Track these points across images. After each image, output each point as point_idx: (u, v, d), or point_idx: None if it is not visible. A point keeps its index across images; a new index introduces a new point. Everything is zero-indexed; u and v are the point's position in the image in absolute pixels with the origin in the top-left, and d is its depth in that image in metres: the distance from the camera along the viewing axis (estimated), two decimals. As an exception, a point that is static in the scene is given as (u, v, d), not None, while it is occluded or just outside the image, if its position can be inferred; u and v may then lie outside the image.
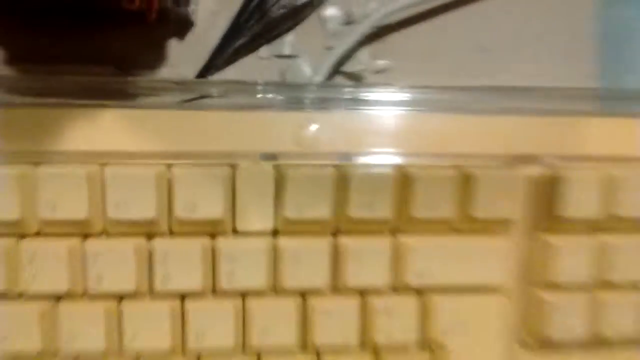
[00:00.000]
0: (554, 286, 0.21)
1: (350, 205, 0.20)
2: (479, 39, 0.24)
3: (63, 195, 0.19)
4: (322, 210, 0.20)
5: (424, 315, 0.21)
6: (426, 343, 0.21)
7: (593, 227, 0.21)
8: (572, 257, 0.21)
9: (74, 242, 0.19)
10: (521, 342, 0.22)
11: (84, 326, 0.19)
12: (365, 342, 0.21)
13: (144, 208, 0.19)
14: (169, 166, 0.19)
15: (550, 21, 0.25)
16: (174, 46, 0.23)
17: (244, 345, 0.20)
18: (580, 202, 0.21)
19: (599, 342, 0.22)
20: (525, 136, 0.21)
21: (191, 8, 0.23)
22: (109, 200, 0.19)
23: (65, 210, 0.19)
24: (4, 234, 0.19)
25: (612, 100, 0.23)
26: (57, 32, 0.22)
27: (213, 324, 0.20)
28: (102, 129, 0.20)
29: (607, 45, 0.25)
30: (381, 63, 0.24)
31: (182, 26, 0.23)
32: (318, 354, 0.21)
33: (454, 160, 0.21)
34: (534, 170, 0.21)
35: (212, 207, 0.19)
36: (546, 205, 0.21)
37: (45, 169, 0.19)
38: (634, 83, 0.25)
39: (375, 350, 0.21)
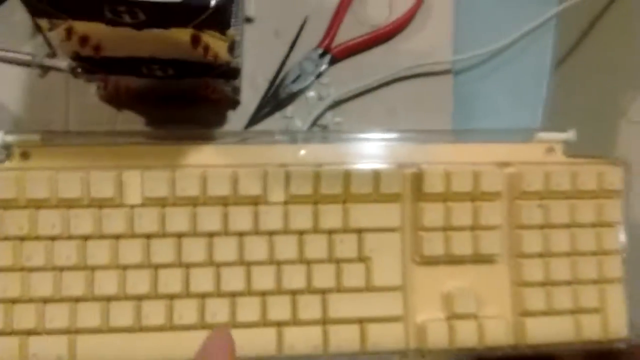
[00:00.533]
0: (426, 228, 0.42)
1: (321, 187, 0.41)
2: (389, 104, 0.47)
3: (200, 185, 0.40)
4: (305, 189, 0.41)
5: (360, 240, 0.42)
6: (361, 257, 0.42)
7: (442, 197, 0.43)
8: (432, 213, 0.42)
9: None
10: (412, 260, 0.43)
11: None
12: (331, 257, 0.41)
13: (224, 189, 0.40)
14: (235, 170, 0.41)
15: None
16: (231, 114, 0.45)
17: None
18: (435, 184, 0.42)
19: (451, 258, 0.43)
20: (407, 153, 0.43)
21: (239, 96, 0.45)
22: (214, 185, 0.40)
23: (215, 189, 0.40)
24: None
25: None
26: (172, 108, 0.44)
27: (258, 249, 0.41)
28: (200, 154, 0.41)
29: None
30: (337, 120, 0.46)
31: (235, 104, 0.45)
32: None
33: (372, 165, 0.42)
34: (412, 170, 0.43)
35: (254, 188, 0.41)
36: (418, 187, 0.43)
37: (183, 170, 0.40)
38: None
39: (337, 260, 0.41)
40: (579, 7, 0.49)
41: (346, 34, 0.47)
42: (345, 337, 0.41)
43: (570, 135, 0.45)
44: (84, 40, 0.34)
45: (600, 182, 0.44)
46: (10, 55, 0.44)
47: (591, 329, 0.44)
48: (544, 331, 0.43)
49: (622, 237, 0.45)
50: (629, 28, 0.56)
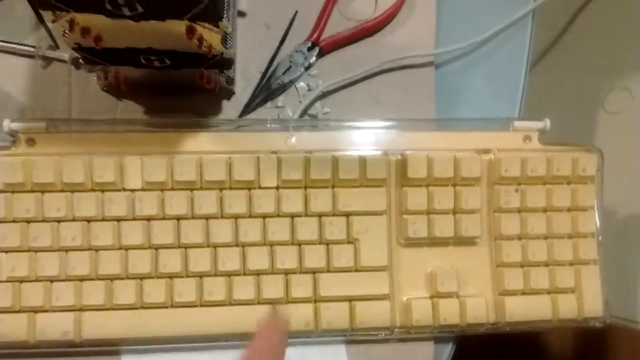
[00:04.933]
0: (410, 212, 0.45)
1: (310, 173, 0.43)
2: (375, 95, 0.49)
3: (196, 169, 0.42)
4: (296, 175, 0.43)
5: (348, 223, 0.44)
6: (350, 239, 0.44)
7: (425, 182, 0.45)
8: (416, 197, 0.45)
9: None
10: (397, 241, 0.46)
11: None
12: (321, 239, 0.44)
13: (220, 174, 0.43)
14: (230, 156, 0.43)
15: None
16: (225, 103, 0.48)
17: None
18: (418, 170, 0.45)
19: (434, 240, 0.45)
20: (391, 141, 0.46)
21: (233, 86, 0.47)
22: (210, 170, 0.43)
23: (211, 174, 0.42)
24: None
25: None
26: (169, 97, 0.47)
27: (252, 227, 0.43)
28: (197, 141, 0.44)
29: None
30: (326, 109, 0.49)
31: (229, 94, 0.48)
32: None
33: (359, 152, 0.45)
34: (396, 156, 0.45)
35: (248, 174, 0.43)
36: (402, 172, 0.45)
37: (181, 156, 0.42)
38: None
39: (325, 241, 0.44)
40: (555, 2, 0.51)
41: (334, 28, 0.49)
42: (335, 315, 0.43)
43: (545, 124, 0.47)
44: (85, 31, 0.37)
45: (575, 168, 0.47)
46: (14, 47, 0.46)
47: (567, 308, 0.46)
48: (522, 310, 0.46)
49: (597, 221, 0.47)
50: (606, 22, 0.59)
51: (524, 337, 0.49)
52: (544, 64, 0.57)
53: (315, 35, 0.49)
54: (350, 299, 0.44)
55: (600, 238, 0.47)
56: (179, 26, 0.36)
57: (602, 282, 0.47)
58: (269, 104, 0.48)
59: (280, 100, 0.48)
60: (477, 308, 0.45)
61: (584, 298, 0.46)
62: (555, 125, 0.48)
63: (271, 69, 0.48)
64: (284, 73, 0.48)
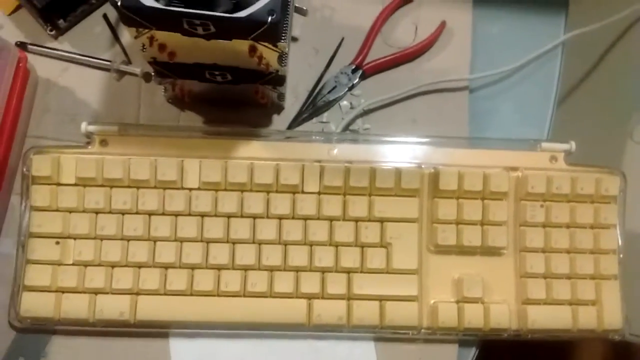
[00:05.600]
0: (440, 221, 0.49)
1: (350, 181, 0.48)
2: (412, 115, 0.53)
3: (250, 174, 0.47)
4: (336, 182, 0.48)
5: (382, 228, 0.48)
6: (383, 243, 0.48)
7: (455, 195, 0.49)
8: (446, 208, 0.49)
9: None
10: (427, 248, 0.49)
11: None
12: (357, 242, 0.48)
13: (268, 179, 0.47)
14: (277, 163, 0.48)
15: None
16: (275, 117, 0.53)
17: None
18: (449, 183, 0.48)
19: (462, 249, 0.49)
20: (426, 155, 0.50)
21: (283, 101, 0.53)
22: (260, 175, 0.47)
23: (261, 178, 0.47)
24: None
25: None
26: (226, 110, 0.52)
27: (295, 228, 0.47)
28: (249, 148, 0.48)
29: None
30: (366, 126, 0.53)
31: (279, 109, 0.53)
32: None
33: (395, 164, 0.49)
34: (429, 169, 0.49)
35: (293, 179, 0.47)
36: (434, 184, 0.49)
37: (234, 161, 0.47)
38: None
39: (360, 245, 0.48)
40: (585, 35, 0.55)
41: (376, 53, 0.54)
42: (366, 312, 0.47)
43: (571, 146, 0.51)
44: (162, 47, 0.42)
45: (598, 188, 0.50)
46: (92, 61, 0.52)
47: (587, 320, 0.49)
48: (543, 318, 0.48)
49: (618, 239, 0.50)
50: (634, 54, 0.62)
51: (544, 347, 0.51)
52: (573, 94, 0.60)
53: (359, 60, 0.54)
54: (380, 299, 0.47)
55: (621, 256, 0.50)
56: (243, 45, 0.41)
57: (622, 297, 0.49)
58: (314, 120, 0.53)
59: (325, 116, 0.53)
60: (501, 314, 0.48)
61: (604, 311, 0.49)
62: (582, 153, 0.51)
63: (318, 88, 0.53)
64: (329, 92, 0.53)
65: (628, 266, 0.50)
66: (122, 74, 0.52)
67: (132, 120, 0.51)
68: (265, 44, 0.41)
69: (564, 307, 0.49)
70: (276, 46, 0.41)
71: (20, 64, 0.49)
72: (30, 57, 0.51)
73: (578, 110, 0.60)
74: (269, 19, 0.38)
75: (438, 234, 0.48)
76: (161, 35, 0.41)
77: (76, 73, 0.52)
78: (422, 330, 0.48)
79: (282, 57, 0.43)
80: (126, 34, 0.53)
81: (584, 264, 0.49)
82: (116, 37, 0.53)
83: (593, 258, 0.49)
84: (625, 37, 0.61)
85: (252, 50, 0.42)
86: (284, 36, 0.42)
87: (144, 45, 0.42)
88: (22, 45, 0.52)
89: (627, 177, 0.51)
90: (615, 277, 0.49)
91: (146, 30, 0.40)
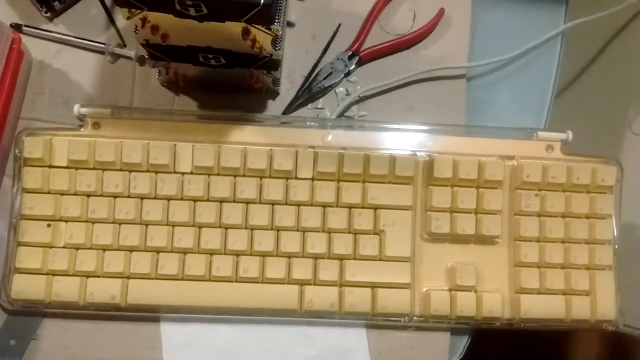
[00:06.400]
0: (434, 209, 0.48)
1: (344, 167, 0.47)
2: (408, 103, 0.53)
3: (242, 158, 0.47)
4: (330, 168, 0.47)
5: (376, 216, 0.48)
6: (376, 230, 0.48)
7: (450, 183, 0.48)
8: (441, 196, 0.48)
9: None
10: (420, 236, 0.49)
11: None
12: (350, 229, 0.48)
13: (262, 164, 0.47)
14: (271, 148, 0.48)
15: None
16: (270, 103, 0.52)
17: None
18: (444, 171, 0.48)
19: (456, 237, 0.49)
20: (421, 143, 0.49)
21: (278, 87, 0.52)
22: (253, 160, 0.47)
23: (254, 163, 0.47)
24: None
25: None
26: (221, 95, 0.51)
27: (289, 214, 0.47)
28: (243, 133, 0.48)
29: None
30: (362, 113, 0.53)
31: (274, 94, 0.52)
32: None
33: (390, 151, 0.48)
34: (424, 157, 0.49)
35: (287, 165, 0.47)
36: (429, 172, 0.49)
37: (228, 146, 0.47)
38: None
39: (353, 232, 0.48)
40: (586, 25, 0.54)
41: (374, 40, 0.53)
42: (358, 299, 0.47)
43: (568, 135, 0.50)
44: (154, 29, 0.42)
45: (594, 178, 0.49)
46: (87, 43, 0.52)
47: (581, 310, 0.48)
48: (537, 308, 0.48)
49: (614, 230, 0.50)
50: (635, 45, 0.61)
51: (538, 340, 0.51)
52: (572, 84, 0.60)
53: (356, 46, 0.53)
54: (373, 286, 0.47)
55: (617, 247, 0.50)
56: (236, 27, 0.41)
57: (616, 288, 0.49)
58: (309, 106, 0.53)
59: (321, 102, 0.53)
60: (494, 303, 0.47)
61: (598, 301, 0.48)
62: (581, 143, 0.50)
63: (314, 74, 0.53)
64: (325, 78, 0.53)
65: (623, 257, 0.50)
66: (116, 57, 0.52)
67: (126, 103, 0.51)
68: (259, 26, 0.41)
69: (558, 297, 0.48)
70: (270, 29, 0.41)
71: (15, 46, 0.48)
72: (24, 39, 0.50)
73: (577, 100, 0.60)
74: (262, 0, 0.37)
75: (432, 222, 0.48)
76: (154, 17, 0.41)
77: (71, 56, 0.52)
78: (415, 318, 0.48)
79: (276, 41, 0.43)
80: (121, 17, 0.52)
81: (579, 254, 0.49)
82: (111, 20, 0.52)
83: (588, 248, 0.49)
84: (627, 29, 0.60)
85: (246, 33, 0.41)
86: (277, 19, 0.41)
87: (136, 27, 0.42)
88: (16, 27, 0.51)
89: (624, 168, 0.50)
90: (610, 268, 0.49)
91: (138, 11, 0.40)
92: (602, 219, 0.50)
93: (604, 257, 0.49)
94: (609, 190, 0.50)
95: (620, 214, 0.50)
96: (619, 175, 0.50)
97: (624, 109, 0.62)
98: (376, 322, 0.48)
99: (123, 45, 0.52)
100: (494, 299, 0.48)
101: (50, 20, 0.52)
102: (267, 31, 0.41)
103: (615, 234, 0.50)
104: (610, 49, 0.61)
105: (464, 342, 0.49)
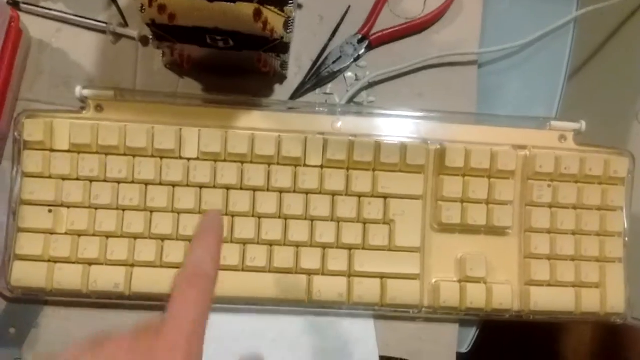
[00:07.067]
0: (445, 199, 0.47)
1: (353, 155, 0.46)
2: (418, 89, 0.52)
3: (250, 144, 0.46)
4: (340, 156, 0.46)
5: (386, 205, 0.47)
6: (386, 220, 0.47)
7: (461, 172, 0.48)
8: (452, 185, 0.47)
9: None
10: (430, 226, 0.48)
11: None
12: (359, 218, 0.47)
13: (270, 150, 0.46)
14: (279, 134, 0.46)
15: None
16: (278, 87, 0.51)
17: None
18: (455, 160, 0.47)
19: (466, 228, 0.48)
20: (432, 131, 0.48)
21: (286, 71, 0.51)
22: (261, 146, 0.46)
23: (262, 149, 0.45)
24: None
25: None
26: (227, 78, 0.50)
27: (297, 201, 0.46)
28: (251, 118, 0.47)
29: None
30: (371, 99, 0.51)
31: (282, 78, 0.51)
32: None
33: (400, 139, 0.47)
34: (436, 145, 0.48)
35: (296, 152, 0.46)
36: (440, 161, 0.48)
37: (235, 131, 0.46)
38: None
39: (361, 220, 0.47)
40: (597, 12, 0.53)
41: (383, 23, 0.52)
42: (366, 289, 0.46)
43: (581, 125, 0.49)
44: (162, 8, 0.40)
45: (607, 169, 0.48)
46: (87, 22, 0.50)
47: (590, 303, 0.48)
48: (546, 300, 0.48)
49: (625, 222, 0.49)
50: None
51: (544, 334, 0.51)
52: (583, 72, 0.59)
53: (365, 30, 0.52)
54: (382, 276, 0.46)
55: (627, 239, 0.49)
56: (247, 8, 0.39)
57: (626, 281, 0.48)
58: (317, 91, 0.51)
59: (329, 87, 0.51)
60: (503, 295, 0.47)
61: (607, 294, 0.48)
62: (591, 133, 0.50)
63: (322, 58, 0.51)
64: (333, 62, 0.51)
65: (633, 250, 0.49)
66: (118, 36, 0.50)
67: (128, 85, 0.49)
68: (272, 8, 0.39)
69: (568, 289, 0.48)
70: (283, 11, 0.39)
71: (12, 24, 0.47)
72: (23, 16, 0.48)
73: (588, 89, 0.59)
74: (277, -20, 0.36)
75: (442, 212, 0.47)
76: (161, -5, 0.39)
77: (71, 34, 0.50)
78: (423, 309, 0.47)
79: (288, 23, 0.42)
80: (123, -5, 0.50)
81: (589, 246, 0.48)
82: (113, -2, 0.51)
83: (598, 240, 0.48)
84: (639, 16, 0.59)
85: (257, 14, 0.40)
86: (291, 0, 0.40)
87: (142, 6, 0.40)
88: (14, 4, 0.49)
89: (635, 159, 0.50)
90: (620, 260, 0.49)
91: (146, -11, 0.38)
92: (613, 210, 0.49)
93: (614, 249, 0.49)
94: (621, 182, 0.49)
95: (631, 206, 0.50)
96: (630, 166, 0.49)
97: (634, 98, 0.62)
98: (384, 312, 0.47)
99: (125, 24, 0.50)
100: (504, 291, 0.47)
101: (49, -4, 0.50)
102: (280, 12, 0.40)
103: (626, 226, 0.49)
104: (623, 36, 0.60)
105: (472, 333, 0.49)
